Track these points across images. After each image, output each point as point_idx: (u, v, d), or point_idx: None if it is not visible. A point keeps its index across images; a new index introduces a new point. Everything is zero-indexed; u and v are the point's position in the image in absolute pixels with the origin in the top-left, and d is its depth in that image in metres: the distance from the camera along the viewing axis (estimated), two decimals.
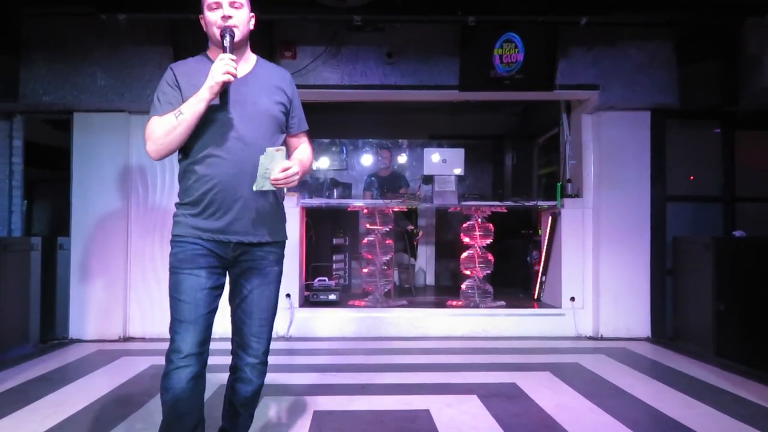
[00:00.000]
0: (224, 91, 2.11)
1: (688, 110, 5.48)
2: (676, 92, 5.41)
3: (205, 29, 2.22)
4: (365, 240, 6.11)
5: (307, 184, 7.82)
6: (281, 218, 2.32)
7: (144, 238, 5.54)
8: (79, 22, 5.25)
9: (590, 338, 5.63)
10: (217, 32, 2.14)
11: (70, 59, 5.29)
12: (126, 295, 5.49)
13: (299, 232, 5.79)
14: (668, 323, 5.62)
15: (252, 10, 2.25)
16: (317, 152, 8.93)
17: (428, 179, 6.11)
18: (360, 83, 5.47)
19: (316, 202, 6.18)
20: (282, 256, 2.32)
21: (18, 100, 5.21)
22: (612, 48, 5.48)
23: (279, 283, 2.30)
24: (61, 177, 5.66)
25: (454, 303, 6.03)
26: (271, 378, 2.57)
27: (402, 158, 8.89)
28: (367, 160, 8.90)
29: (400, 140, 8.93)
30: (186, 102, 2.08)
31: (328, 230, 7.34)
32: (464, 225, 6.11)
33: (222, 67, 2.04)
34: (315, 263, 7.04)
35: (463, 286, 6.05)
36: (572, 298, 5.73)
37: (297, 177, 2.12)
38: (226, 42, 2.09)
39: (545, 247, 6.21)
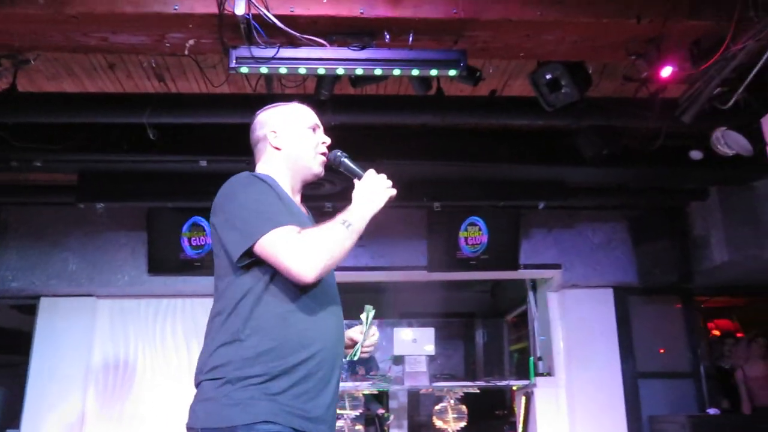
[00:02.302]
0: None
1: (647, 287, 5.66)
2: (634, 270, 5.64)
3: (286, 149, 1.82)
4: None
5: None
6: None
7: None
8: (56, 210, 5.35)
9: None
10: (316, 154, 1.83)
11: (43, 245, 5.34)
12: None
13: None
14: None
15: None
16: None
17: (399, 359, 6.01)
18: None
19: None
20: None
21: None
22: (571, 229, 5.78)
23: None
24: (19, 362, 5.44)
25: None
26: None
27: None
28: None
29: None
30: (350, 211, 1.66)
31: None
32: (436, 407, 5.90)
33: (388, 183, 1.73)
34: None
35: None
36: None
37: None
38: (345, 166, 1.82)
39: (520, 429, 5.98)
